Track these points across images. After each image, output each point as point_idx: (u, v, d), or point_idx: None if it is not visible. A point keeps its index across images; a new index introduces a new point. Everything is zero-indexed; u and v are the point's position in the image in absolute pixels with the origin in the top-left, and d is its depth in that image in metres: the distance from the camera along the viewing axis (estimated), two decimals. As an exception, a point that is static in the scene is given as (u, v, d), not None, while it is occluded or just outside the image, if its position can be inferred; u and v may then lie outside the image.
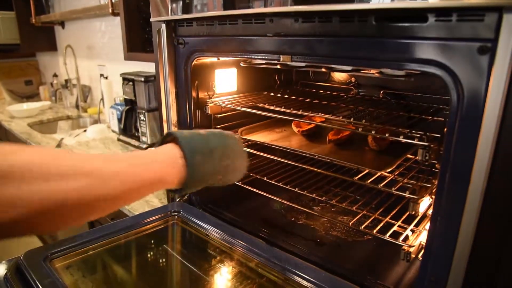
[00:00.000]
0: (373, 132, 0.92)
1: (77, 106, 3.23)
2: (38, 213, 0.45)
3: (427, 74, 0.65)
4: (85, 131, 2.52)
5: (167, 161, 0.63)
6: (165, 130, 1.17)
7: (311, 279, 0.83)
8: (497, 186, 0.58)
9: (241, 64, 1.19)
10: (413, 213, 0.85)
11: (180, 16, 1.01)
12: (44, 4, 3.34)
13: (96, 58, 3.02)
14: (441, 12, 0.58)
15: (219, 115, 1.24)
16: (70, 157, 0.51)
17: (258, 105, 1.15)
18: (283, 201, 1.16)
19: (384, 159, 1.01)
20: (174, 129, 1.17)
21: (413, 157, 1.04)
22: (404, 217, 0.97)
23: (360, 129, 0.93)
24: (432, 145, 0.78)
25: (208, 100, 1.18)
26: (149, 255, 1.07)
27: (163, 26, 1.07)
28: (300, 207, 1.18)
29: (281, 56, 0.85)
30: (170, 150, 0.65)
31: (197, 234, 1.09)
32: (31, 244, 0.98)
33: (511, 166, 0.56)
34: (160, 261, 1.07)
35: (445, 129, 0.63)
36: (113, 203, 0.55)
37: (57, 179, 0.47)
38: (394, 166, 0.94)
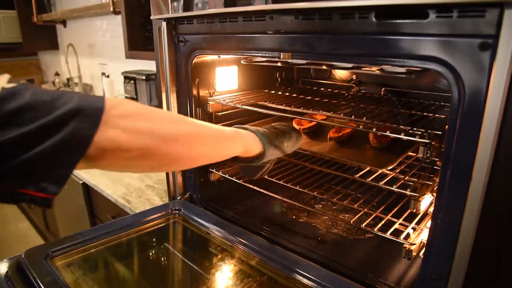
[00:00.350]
0: (374, 130, 0.91)
1: (79, 105, 3.23)
2: (158, 144, 0.61)
3: (428, 71, 0.65)
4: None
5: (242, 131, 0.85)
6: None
7: (312, 277, 0.83)
8: (498, 183, 0.58)
9: (242, 62, 1.19)
10: (414, 210, 0.85)
11: (180, 14, 1.00)
12: (46, 3, 3.34)
13: (97, 56, 3.02)
14: (442, 8, 0.58)
15: (220, 113, 1.24)
16: (175, 113, 0.74)
17: (259, 103, 1.14)
18: (284, 199, 1.15)
19: (385, 157, 1.01)
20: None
21: (415, 154, 1.03)
22: (405, 215, 0.97)
23: (361, 127, 0.93)
24: (433, 143, 0.77)
25: (209, 98, 1.17)
26: (150, 253, 1.07)
27: (164, 24, 1.07)
28: (301, 205, 1.18)
29: (281, 53, 0.84)
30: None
31: (198, 232, 1.09)
32: (32, 243, 0.98)
33: (513, 163, 0.56)
34: (161, 259, 1.07)
35: (446, 126, 0.63)
36: (208, 148, 0.72)
37: (171, 122, 0.65)
38: (395, 164, 0.94)
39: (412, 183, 0.90)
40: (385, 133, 0.88)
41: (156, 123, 0.62)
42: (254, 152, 0.85)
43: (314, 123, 1.25)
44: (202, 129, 0.72)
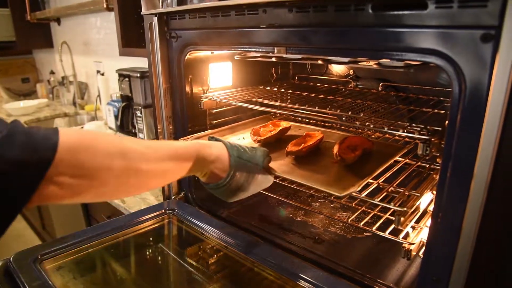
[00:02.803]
0: (371, 126, 0.88)
1: (74, 103, 3.20)
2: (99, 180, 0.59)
3: (428, 65, 0.62)
4: (81, 128, 2.49)
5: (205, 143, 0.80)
6: (159, 126, 1.14)
7: (309, 279, 0.81)
8: (501, 180, 0.55)
9: (236, 58, 1.16)
10: (399, 227, 0.78)
11: (171, 8, 0.97)
12: (40, 0, 3.30)
13: (92, 54, 2.99)
14: (442, -2, 0.55)
15: (214, 110, 1.21)
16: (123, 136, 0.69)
17: (254, 99, 1.12)
18: (280, 198, 1.13)
19: (351, 177, 0.87)
20: (169, 127, 1.14)
21: (403, 159, 0.98)
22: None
23: (358, 123, 0.90)
24: (433, 139, 0.75)
25: (202, 95, 1.15)
26: (144, 254, 1.05)
27: (155, 19, 1.04)
28: (298, 204, 1.16)
29: (275, 48, 0.82)
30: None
31: (193, 233, 1.07)
32: (29, 243, 0.95)
33: (517, 160, 0.53)
34: (156, 260, 1.05)
35: (447, 122, 0.60)
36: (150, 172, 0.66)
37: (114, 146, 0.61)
38: (359, 187, 0.79)
39: (397, 195, 0.83)
40: (383, 130, 0.85)
41: (99, 156, 0.58)
42: (221, 166, 0.79)
43: (273, 133, 1.08)
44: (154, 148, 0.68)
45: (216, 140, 0.84)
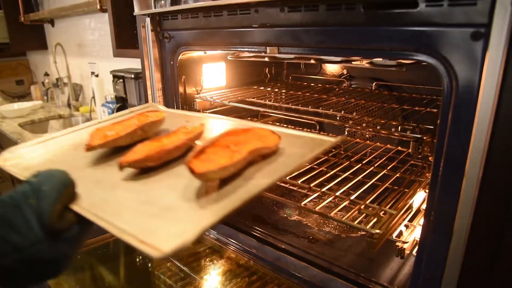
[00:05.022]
0: (364, 125, 0.88)
1: (69, 105, 3.19)
2: None
3: (420, 64, 0.62)
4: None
5: None
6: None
7: (303, 278, 0.81)
8: (493, 178, 0.55)
9: (229, 58, 1.16)
10: (370, 250, 0.69)
11: (164, 9, 0.97)
12: (33, 2, 3.28)
13: (86, 55, 2.97)
14: (432, -3, 0.56)
15: (208, 111, 1.21)
16: None
17: (247, 99, 1.11)
18: (275, 196, 1.13)
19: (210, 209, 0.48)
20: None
21: (382, 170, 0.93)
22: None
23: (350, 122, 0.90)
24: (425, 137, 0.75)
25: (196, 96, 1.14)
26: (137, 255, 1.04)
27: (148, 20, 1.04)
28: (292, 202, 1.16)
29: (267, 47, 0.82)
30: None
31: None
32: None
33: (507, 157, 0.53)
34: (148, 260, 1.04)
35: (438, 120, 0.60)
36: None
37: None
38: (195, 236, 0.38)
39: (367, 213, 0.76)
40: (377, 129, 0.85)
41: None
42: None
43: (122, 134, 0.64)
44: None
45: None
